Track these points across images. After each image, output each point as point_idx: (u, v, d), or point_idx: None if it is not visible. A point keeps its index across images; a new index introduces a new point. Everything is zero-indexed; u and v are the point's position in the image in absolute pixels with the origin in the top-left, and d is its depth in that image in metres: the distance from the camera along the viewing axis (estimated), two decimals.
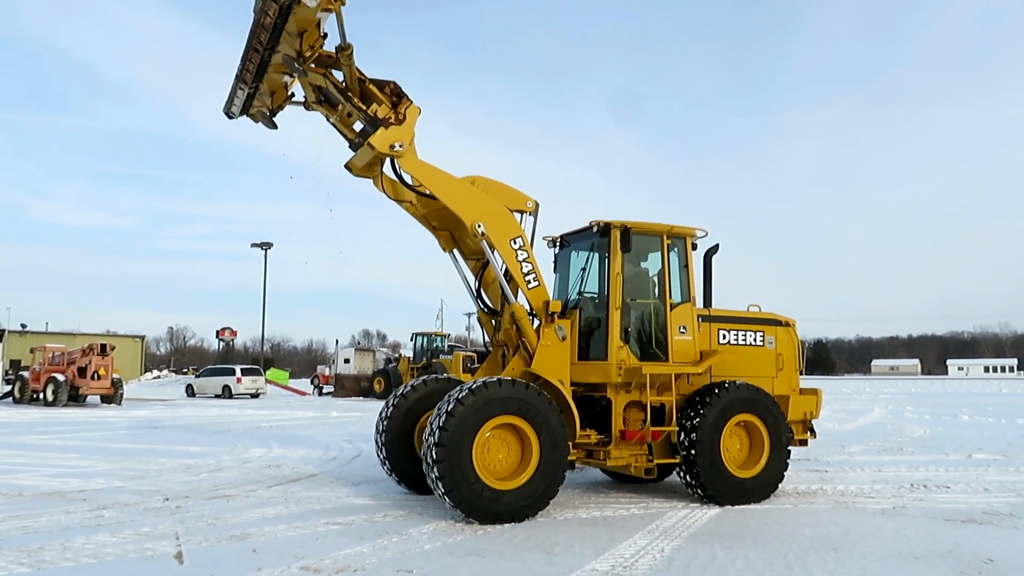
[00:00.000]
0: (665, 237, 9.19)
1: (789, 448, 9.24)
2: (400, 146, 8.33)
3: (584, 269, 9.33)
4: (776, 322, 9.94)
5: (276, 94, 8.92)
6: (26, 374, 32.26)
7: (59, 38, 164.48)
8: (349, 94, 8.42)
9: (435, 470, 7.42)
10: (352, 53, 8.18)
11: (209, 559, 6.18)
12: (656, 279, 9.29)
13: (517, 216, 8.99)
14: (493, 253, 8.59)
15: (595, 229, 9.05)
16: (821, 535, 7.19)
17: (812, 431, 10.12)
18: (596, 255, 9.28)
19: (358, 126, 8.60)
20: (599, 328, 8.95)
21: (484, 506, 7.53)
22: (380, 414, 9.40)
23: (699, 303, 9.40)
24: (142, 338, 72.31)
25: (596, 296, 9.22)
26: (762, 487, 8.94)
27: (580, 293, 9.28)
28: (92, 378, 29.70)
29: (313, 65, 8.30)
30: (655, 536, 7.12)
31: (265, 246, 50.68)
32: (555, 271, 10.04)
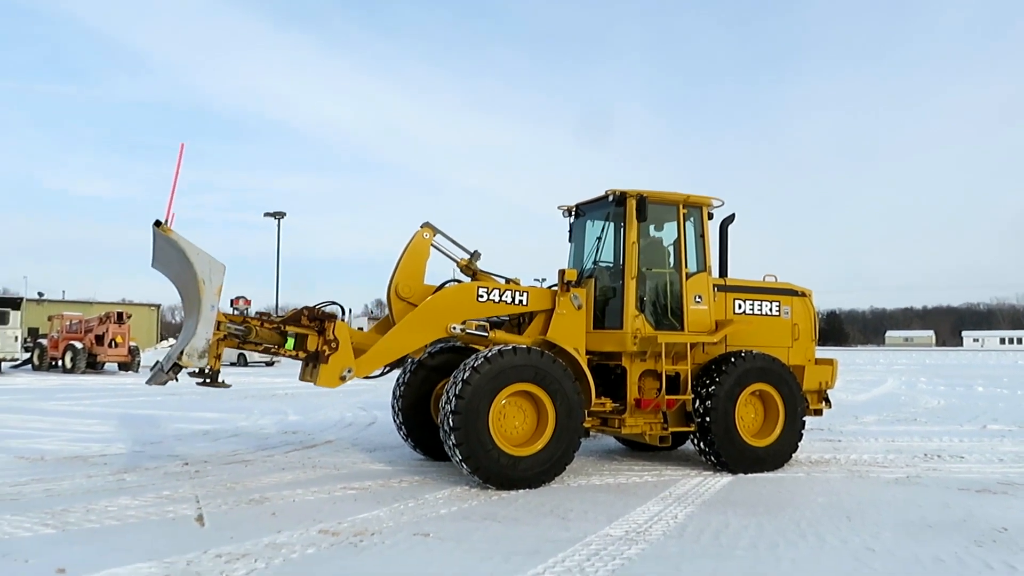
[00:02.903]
0: (681, 206, 9.14)
1: (804, 418, 9.25)
2: (349, 371, 8.09)
3: (599, 238, 9.30)
4: (792, 292, 9.90)
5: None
6: (44, 342, 32.64)
7: (72, 6, 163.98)
8: (275, 349, 8.14)
9: (452, 437, 7.49)
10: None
11: (229, 522, 6.28)
12: (672, 249, 9.26)
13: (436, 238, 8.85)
14: (476, 330, 8.48)
15: (611, 198, 9.01)
16: (834, 503, 7.22)
17: (827, 401, 10.12)
18: (612, 224, 9.24)
19: None
20: (614, 297, 8.95)
21: (500, 472, 7.60)
22: (397, 381, 9.47)
23: (715, 273, 9.38)
24: (157, 307, 72.91)
25: (611, 265, 9.20)
26: (776, 456, 8.97)
27: (595, 262, 9.26)
28: (109, 346, 29.99)
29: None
30: (668, 503, 7.18)
31: (278, 215, 50.72)
32: (570, 240, 10.02)
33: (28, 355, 32.97)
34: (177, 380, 7.72)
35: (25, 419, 13.61)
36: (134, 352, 31.10)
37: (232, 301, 8.24)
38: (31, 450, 9.89)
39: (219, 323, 7.60)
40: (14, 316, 28.86)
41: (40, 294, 64.47)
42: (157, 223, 7.41)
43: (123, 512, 6.54)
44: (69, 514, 6.43)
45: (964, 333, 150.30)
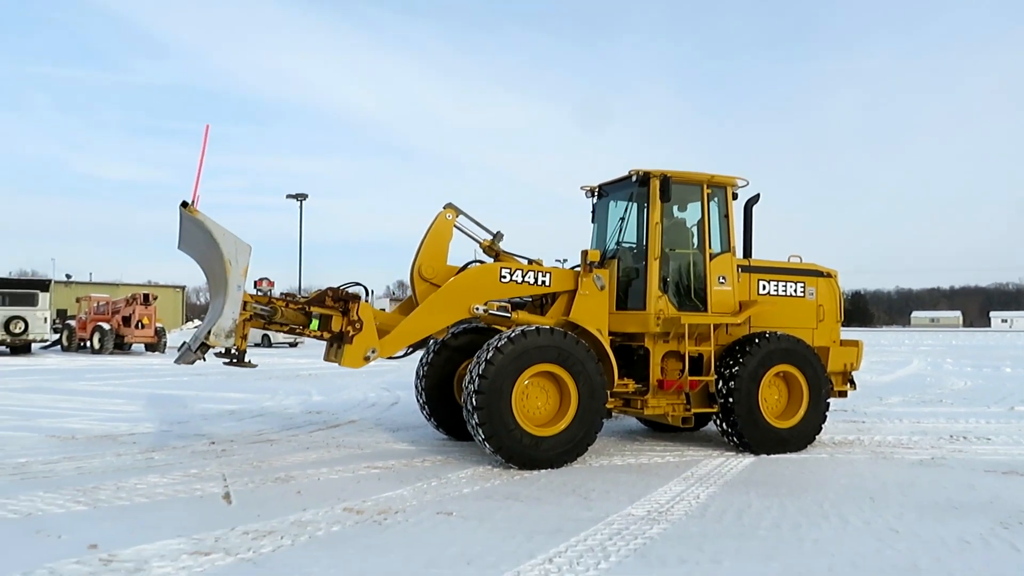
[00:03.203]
0: (705, 186, 9.06)
1: (828, 400, 9.20)
2: (373, 351, 8.13)
3: (623, 219, 9.25)
4: (817, 273, 9.81)
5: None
6: (73, 323, 33.17)
7: None
8: (299, 330, 8.21)
9: (475, 417, 7.54)
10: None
11: (255, 500, 6.37)
12: (695, 229, 9.20)
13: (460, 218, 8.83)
14: (498, 310, 8.51)
15: (634, 178, 8.95)
16: (857, 485, 7.18)
17: (852, 383, 10.05)
18: (635, 205, 9.19)
19: None
20: (637, 278, 8.92)
21: (523, 452, 7.64)
22: (420, 361, 9.52)
23: (739, 253, 9.31)
24: (182, 288, 73.73)
25: (635, 246, 9.16)
26: (799, 437, 8.94)
27: (618, 243, 9.23)
28: (136, 327, 30.41)
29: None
30: (690, 483, 7.18)
31: (300, 197, 50.97)
32: (593, 221, 9.98)
33: (57, 336, 33.53)
34: (204, 359, 7.82)
35: (55, 399, 13.87)
36: (160, 333, 31.51)
37: (256, 283, 8.29)
38: (62, 429, 10.08)
39: (245, 303, 7.68)
40: (43, 298, 29.32)
41: (68, 276, 65.42)
42: (184, 204, 7.48)
43: (152, 490, 6.66)
44: (100, 491, 6.56)
45: (992, 313, 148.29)
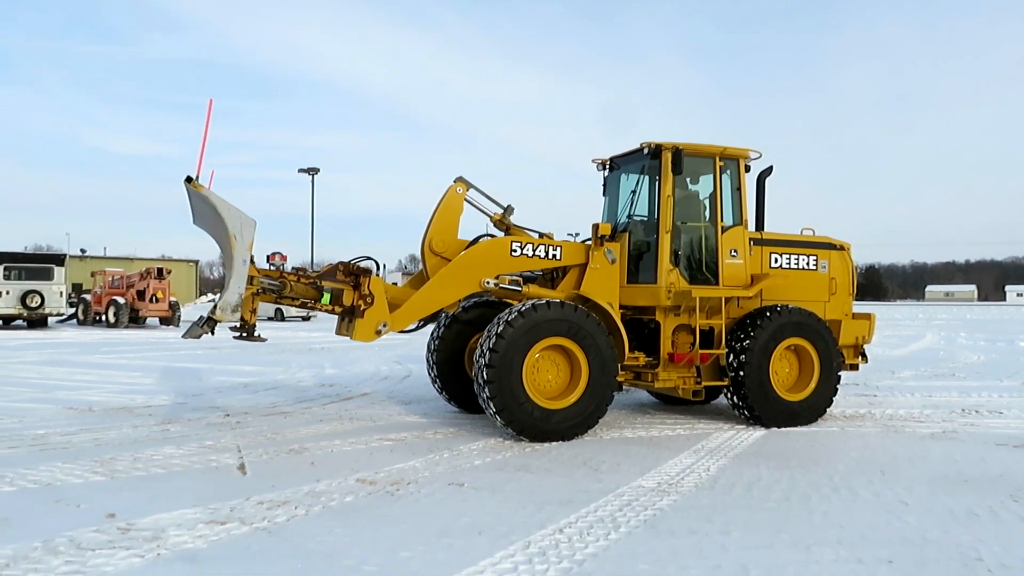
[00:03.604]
0: (717, 159, 9.00)
1: (839, 373, 9.19)
2: (385, 325, 8.14)
3: (634, 192, 9.21)
4: (830, 246, 9.76)
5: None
6: (88, 297, 33.44)
7: None
8: (311, 304, 8.23)
9: (486, 390, 7.58)
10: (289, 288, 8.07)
11: (270, 471, 6.46)
12: (707, 202, 9.15)
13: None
14: (509, 284, 8.51)
15: (646, 151, 8.90)
16: (867, 458, 7.20)
17: (864, 356, 10.03)
18: (646, 177, 9.14)
19: None
20: (648, 251, 8.90)
21: (534, 425, 7.69)
22: (431, 335, 9.57)
23: (751, 226, 9.26)
24: (196, 263, 74.14)
25: (646, 219, 9.13)
26: (810, 411, 8.95)
27: (630, 216, 9.20)
28: (151, 301, 30.65)
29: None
30: (701, 456, 7.22)
31: (312, 171, 50.96)
32: (604, 194, 9.94)
33: (73, 310, 33.83)
34: (212, 334, 7.89)
35: (72, 372, 14.03)
36: (174, 307, 31.75)
37: (268, 257, 8.33)
38: (79, 401, 10.22)
39: (252, 278, 7.72)
40: (58, 272, 29.57)
41: (82, 250, 65.89)
42: (188, 179, 7.50)
43: (168, 461, 6.76)
44: (117, 462, 6.66)
45: (1007, 288, 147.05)
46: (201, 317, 7.94)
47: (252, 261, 7.95)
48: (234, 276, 7.43)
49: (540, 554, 4.44)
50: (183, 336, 8.38)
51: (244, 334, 8.03)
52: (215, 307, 7.48)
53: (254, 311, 7.97)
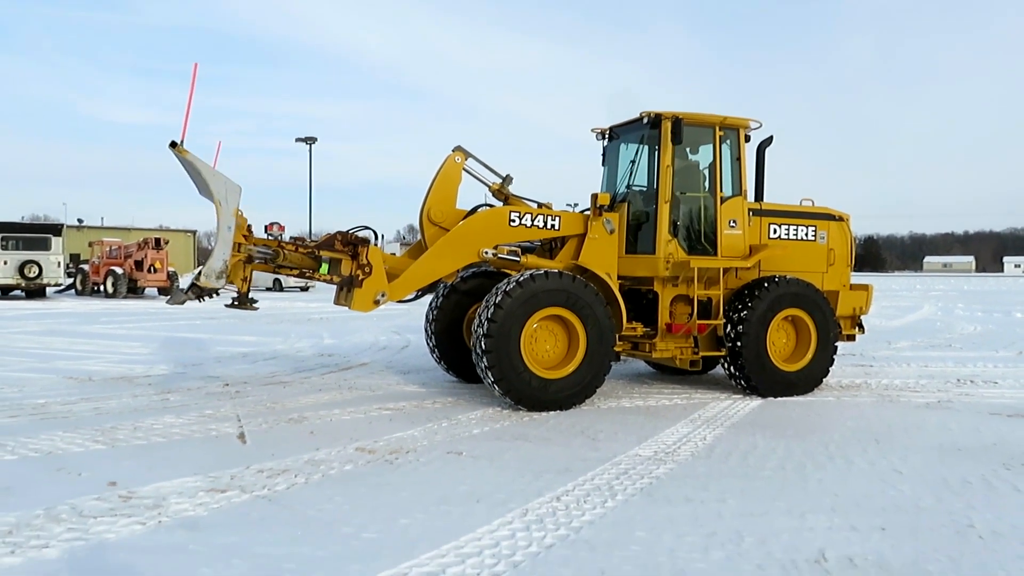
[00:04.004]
0: (717, 128, 8.95)
1: (836, 343, 9.22)
2: (383, 295, 8.11)
3: (633, 162, 9.18)
4: (829, 216, 9.74)
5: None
6: (86, 267, 33.41)
7: None
8: (309, 274, 8.25)
9: (484, 360, 7.61)
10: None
11: (270, 440, 6.51)
12: (707, 172, 9.11)
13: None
14: (508, 254, 8.50)
15: (645, 120, 8.85)
16: (863, 427, 7.26)
17: (861, 326, 10.06)
18: (646, 147, 9.10)
19: None
20: (647, 222, 8.88)
21: (532, 394, 7.74)
22: (429, 305, 9.59)
23: (750, 197, 9.24)
24: (194, 233, 73.93)
25: (645, 189, 9.10)
26: (806, 381, 9.00)
27: (628, 186, 9.17)
28: (149, 271, 30.64)
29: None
30: (697, 425, 7.27)
31: (309, 140, 50.65)
32: (603, 164, 9.90)
33: (71, 280, 33.82)
34: (201, 300, 7.88)
35: (72, 342, 14.06)
36: (172, 277, 31.71)
37: (266, 227, 8.33)
38: (79, 371, 10.25)
39: (240, 245, 7.70)
40: (56, 242, 29.52)
41: (80, 220, 65.67)
42: (173, 144, 7.44)
43: (168, 430, 6.80)
44: (118, 431, 6.70)
45: (1005, 259, 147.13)
46: (189, 284, 7.96)
47: (250, 230, 7.95)
48: (219, 242, 7.43)
49: (538, 521, 4.49)
50: (168, 302, 8.39)
51: (236, 302, 8.04)
52: (199, 273, 7.48)
53: (246, 279, 7.96)
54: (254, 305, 8.16)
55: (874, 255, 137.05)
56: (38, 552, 3.96)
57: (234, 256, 7.63)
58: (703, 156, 9.21)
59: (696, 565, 3.90)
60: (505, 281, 7.89)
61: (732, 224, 8.97)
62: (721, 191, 8.93)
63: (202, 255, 78.23)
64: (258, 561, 3.88)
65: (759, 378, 8.71)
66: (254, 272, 8.26)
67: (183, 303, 7.92)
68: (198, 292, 7.70)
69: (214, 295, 7.92)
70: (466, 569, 3.79)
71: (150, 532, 4.28)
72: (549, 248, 9.17)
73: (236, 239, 7.58)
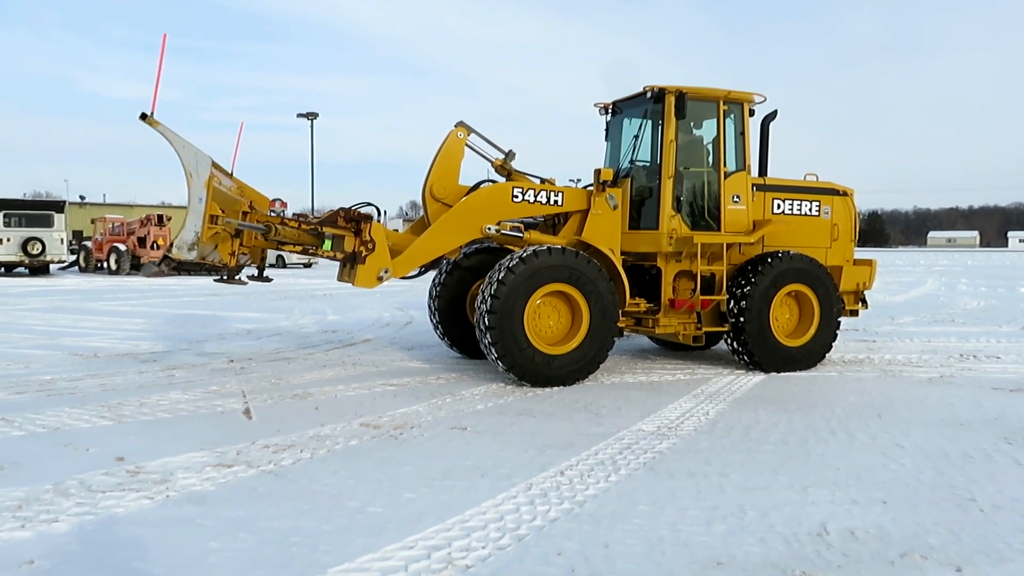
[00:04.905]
0: (721, 103, 8.89)
1: (839, 319, 9.23)
2: (386, 271, 8.10)
3: (636, 137, 9.13)
4: (833, 191, 9.70)
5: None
6: (89, 244, 33.42)
7: None
8: (312, 250, 8.21)
9: (488, 336, 7.63)
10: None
11: (275, 415, 6.55)
12: (711, 147, 9.08)
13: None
14: (511, 230, 8.51)
15: (649, 95, 8.79)
16: (865, 402, 7.28)
17: (864, 302, 10.06)
18: (649, 122, 9.05)
19: None
20: (651, 197, 8.86)
21: (535, 370, 7.77)
22: (433, 281, 9.60)
23: (754, 172, 9.20)
24: None
25: (648, 164, 9.07)
26: (809, 356, 9.02)
27: (632, 161, 9.13)
28: (152, 248, 30.64)
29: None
30: (700, 400, 7.30)
31: (311, 116, 50.45)
32: (607, 139, 9.85)
33: (75, 257, 33.84)
34: (178, 273, 7.87)
35: (77, 318, 14.11)
36: None
37: (270, 203, 8.28)
38: (84, 348, 10.30)
39: (215, 217, 7.64)
40: (58, 219, 29.48)
41: (82, 197, 65.67)
42: (143, 116, 7.38)
43: (174, 406, 6.85)
44: (124, 407, 6.75)
45: (1010, 234, 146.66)
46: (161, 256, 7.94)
47: (252, 206, 7.92)
48: (190, 213, 7.42)
49: (542, 495, 4.53)
50: (143, 275, 8.41)
51: (224, 277, 8.02)
52: (171, 245, 7.48)
53: (233, 254, 7.93)
54: (243, 281, 8.15)
55: (878, 230, 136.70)
56: (48, 526, 4.01)
57: (210, 228, 7.58)
58: (707, 131, 9.17)
59: (699, 538, 3.94)
60: (508, 257, 7.89)
61: (736, 199, 8.94)
62: (725, 166, 8.90)
63: None
64: (265, 535, 3.92)
65: (762, 353, 8.73)
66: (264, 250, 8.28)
67: (156, 276, 7.92)
68: (171, 264, 7.67)
69: (201, 270, 7.89)
70: (471, 542, 3.83)
71: (158, 506, 4.33)
72: (552, 224, 9.16)
73: (210, 211, 7.54)
